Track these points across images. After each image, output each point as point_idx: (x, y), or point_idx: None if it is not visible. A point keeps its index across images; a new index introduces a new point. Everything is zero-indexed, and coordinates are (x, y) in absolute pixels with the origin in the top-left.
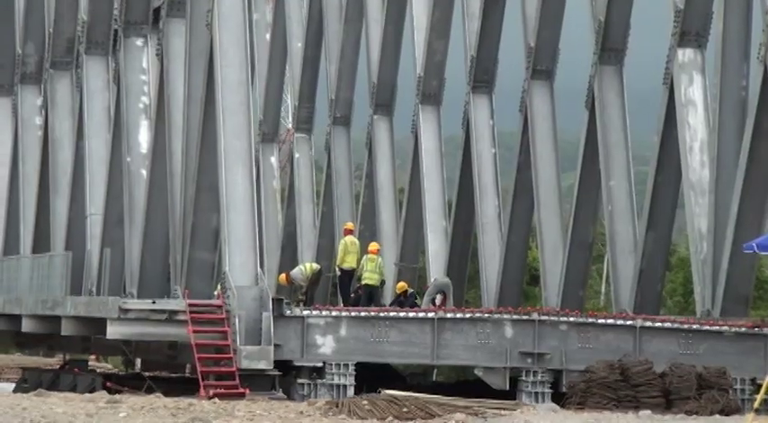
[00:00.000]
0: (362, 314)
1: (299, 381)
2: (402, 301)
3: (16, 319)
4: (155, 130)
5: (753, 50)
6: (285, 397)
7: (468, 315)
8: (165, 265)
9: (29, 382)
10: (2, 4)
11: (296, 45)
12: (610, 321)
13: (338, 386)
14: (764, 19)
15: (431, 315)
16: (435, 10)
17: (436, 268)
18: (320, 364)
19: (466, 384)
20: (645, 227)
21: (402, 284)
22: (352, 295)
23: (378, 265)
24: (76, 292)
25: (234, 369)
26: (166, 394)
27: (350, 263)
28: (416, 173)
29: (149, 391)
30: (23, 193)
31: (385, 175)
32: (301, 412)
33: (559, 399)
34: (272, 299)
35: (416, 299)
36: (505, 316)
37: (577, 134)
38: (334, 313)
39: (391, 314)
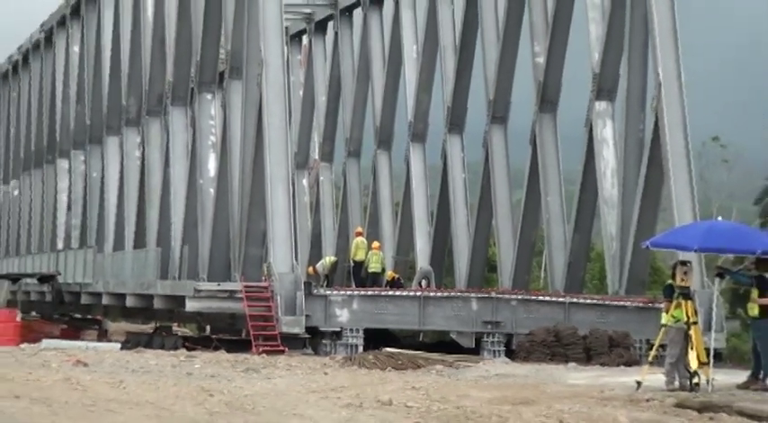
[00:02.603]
0: (369, 293)
1: (323, 341)
2: (389, 286)
3: (122, 296)
4: (220, 160)
5: (647, 103)
6: (313, 353)
7: (445, 294)
8: (227, 258)
9: (131, 342)
10: (112, 68)
11: (321, 99)
12: (547, 298)
13: (352, 345)
14: (656, 80)
15: (418, 294)
16: (422, 73)
17: (422, 260)
18: (338, 329)
19: (443, 344)
20: (572, 230)
21: (391, 273)
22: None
23: (380, 258)
24: (164, 277)
25: (276, 333)
26: (228, 351)
27: (360, 256)
28: (408, 191)
29: (216, 349)
30: (127, 206)
31: (386, 192)
32: (325, 364)
33: (511, 354)
34: (304, 282)
35: (402, 283)
36: (472, 294)
37: (524, 163)
38: (348, 293)
39: (389, 293)
